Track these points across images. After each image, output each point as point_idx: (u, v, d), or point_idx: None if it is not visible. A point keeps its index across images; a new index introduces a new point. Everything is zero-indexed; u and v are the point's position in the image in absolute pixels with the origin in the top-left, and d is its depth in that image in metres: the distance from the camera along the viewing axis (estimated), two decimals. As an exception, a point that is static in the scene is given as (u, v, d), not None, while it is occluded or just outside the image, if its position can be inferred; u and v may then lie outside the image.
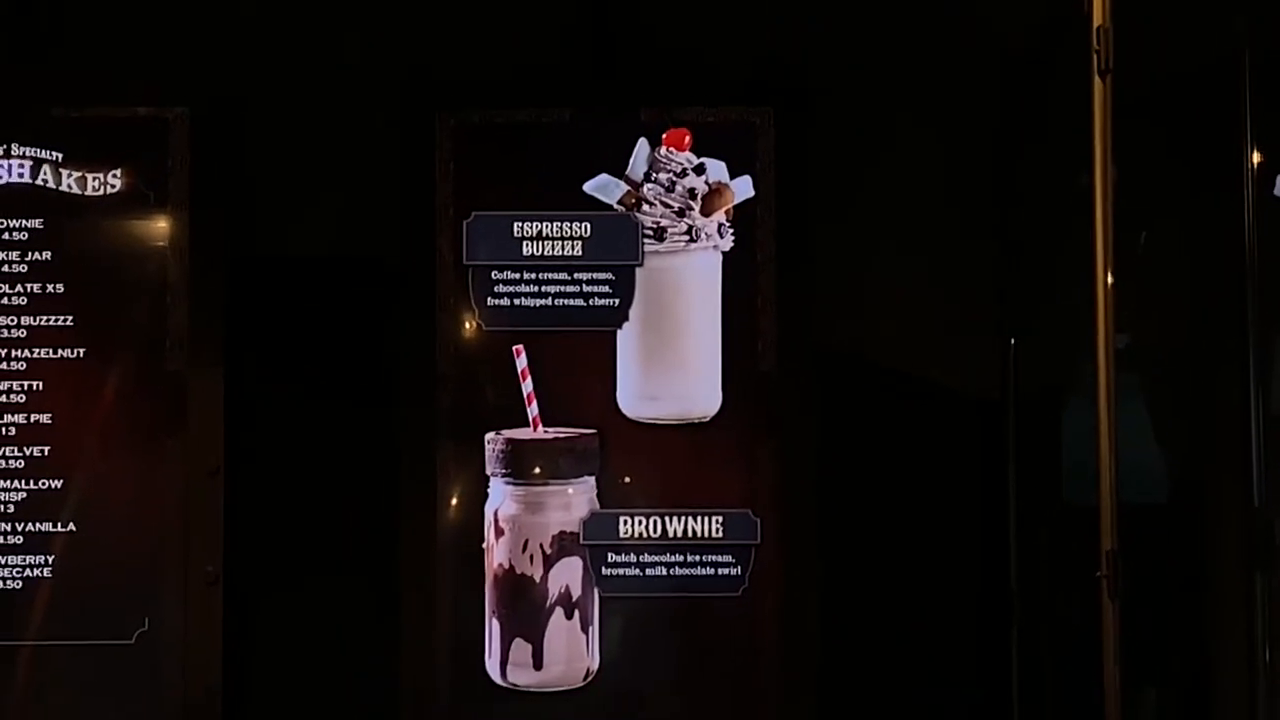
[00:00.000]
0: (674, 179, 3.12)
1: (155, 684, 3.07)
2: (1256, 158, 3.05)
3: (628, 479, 3.13)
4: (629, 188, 3.14)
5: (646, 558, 3.12)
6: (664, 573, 3.12)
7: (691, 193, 3.13)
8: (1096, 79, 2.93)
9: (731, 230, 3.14)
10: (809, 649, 3.08)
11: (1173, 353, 3.16)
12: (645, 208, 3.15)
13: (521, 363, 3.09)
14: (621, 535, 3.12)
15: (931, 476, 3.26)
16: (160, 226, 3.14)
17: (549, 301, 3.15)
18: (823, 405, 3.12)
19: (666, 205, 3.13)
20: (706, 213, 3.14)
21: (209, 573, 3.08)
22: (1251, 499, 3.02)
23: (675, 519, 3.12)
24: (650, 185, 3.14)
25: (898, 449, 3.26)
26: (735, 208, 3.14)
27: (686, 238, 3.14)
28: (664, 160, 3.13)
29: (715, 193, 3.15)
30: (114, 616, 3.08)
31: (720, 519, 3.12)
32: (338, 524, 3.25)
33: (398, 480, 3.11)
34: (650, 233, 3.15)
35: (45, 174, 3.12)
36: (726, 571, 3.12)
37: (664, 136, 3.14)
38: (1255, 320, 3.04)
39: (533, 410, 3.09)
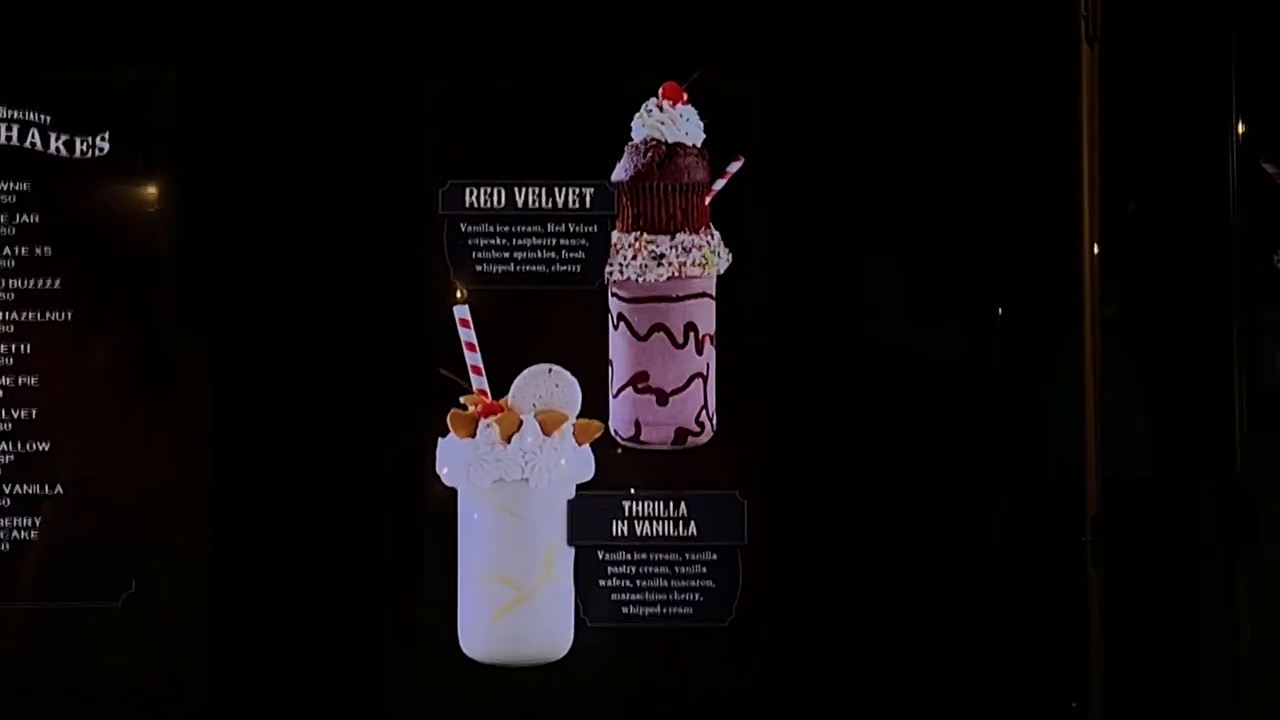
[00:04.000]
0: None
1: (141, 649, 3.08)
2: (1241, 127, 3.04)
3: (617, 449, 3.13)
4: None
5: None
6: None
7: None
8: (1084, 45, 2.93)
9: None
10: (790, 626, 3.08)
11: (1159, 324, 3.15)
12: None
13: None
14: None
15: (914, 447, 3.26)
16: (149, 191, 3.15)
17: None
18: (805, 376, 3.12)
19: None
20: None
21: (196, 539, 3.09)
22: (1234, 469, 3.02)
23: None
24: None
25: (881, 420, 3.26)
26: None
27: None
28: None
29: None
30: (100, 580, 3.09)
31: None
32: (325, 489, 3.24)
33: (380, 444, 3.12)
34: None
35: (34, 137, 3.14)
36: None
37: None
38: (1239, 290, 3.04)
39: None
